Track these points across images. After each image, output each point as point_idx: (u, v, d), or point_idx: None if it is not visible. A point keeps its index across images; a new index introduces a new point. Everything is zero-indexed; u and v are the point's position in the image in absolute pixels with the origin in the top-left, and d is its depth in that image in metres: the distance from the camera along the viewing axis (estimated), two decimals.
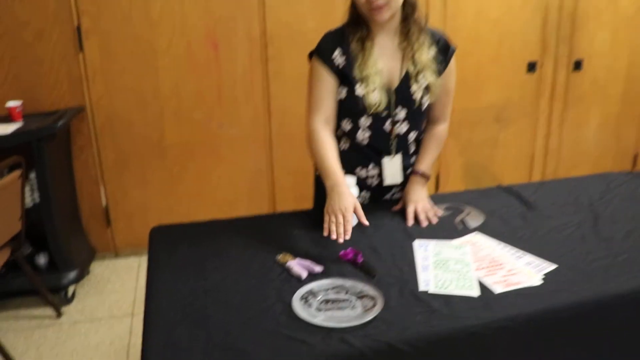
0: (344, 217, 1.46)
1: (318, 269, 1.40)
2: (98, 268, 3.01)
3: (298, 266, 1.40)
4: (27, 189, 2.51)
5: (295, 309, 1.21)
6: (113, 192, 3.05)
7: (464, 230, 1.63)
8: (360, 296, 1.27)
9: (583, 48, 3.56)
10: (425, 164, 1.79)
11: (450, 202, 1.83)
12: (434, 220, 1.69)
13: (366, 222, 1.49)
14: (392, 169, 1.77)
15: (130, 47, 2.88)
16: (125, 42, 2.87)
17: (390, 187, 1.83)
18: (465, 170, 3.63)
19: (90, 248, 2.97)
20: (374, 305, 1.22)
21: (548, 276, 1.36)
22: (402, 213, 1.74)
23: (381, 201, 1.85)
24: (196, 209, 3.19)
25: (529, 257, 1.46)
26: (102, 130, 2.96)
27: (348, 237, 1.43)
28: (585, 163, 3.87)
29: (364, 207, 1.72)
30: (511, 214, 1.75)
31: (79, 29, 2.79)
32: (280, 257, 1.47)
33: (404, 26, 1.66)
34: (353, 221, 1.51)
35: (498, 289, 1.31)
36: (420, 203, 1.72)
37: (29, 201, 2.54)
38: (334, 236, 1.44)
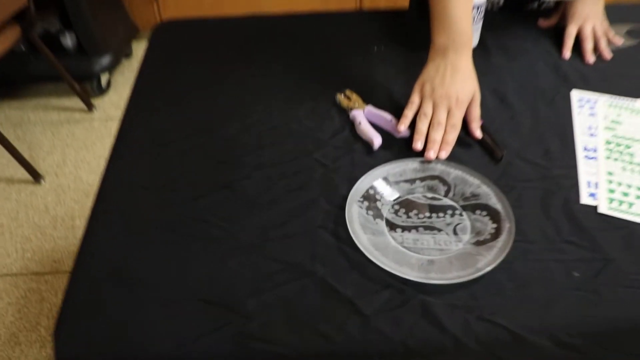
0: (449, 112, 0.80)
1: (403, 130, 0.81)
2: (141, 50, 2.51)
3: (368, 123, 0.83)
4: None
5: (350, 221, 0.67)
6: None
7: None
8: (472, 206, 0.71)
9: None
10: None
11: (635, 22, 1.10)
12: (608, 54, 1.01)
13: (478, 134, 0.81)
14: None
15: None
16: None
17: None
18: None
19: (130, 26, 2.43)
20: (496, 233, 0.66)
21: None
22: (556, 35, 1.05)
23: (521, 11, 1.15)
24: None
25: None
26: None
27: (445, 155, 0.77)
28: None
29: (492, 17, 1.05)
30: None
31: None
32: (342, 97, 0.89)
33: None
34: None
35: None
36: (590, 21, 1.02)
37: None
38: (418, 145, 0.78)
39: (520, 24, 1.08)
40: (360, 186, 0.72)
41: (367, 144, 0.81)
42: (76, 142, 2.00)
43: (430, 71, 0.83)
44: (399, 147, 0.80)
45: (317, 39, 1.06)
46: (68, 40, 2.12)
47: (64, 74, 2.01)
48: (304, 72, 0.96)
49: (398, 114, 0.83)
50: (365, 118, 0.84)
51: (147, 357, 0.56)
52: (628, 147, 0.80)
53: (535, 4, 1.13)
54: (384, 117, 0.84)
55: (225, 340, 0.57)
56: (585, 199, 0.72)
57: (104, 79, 2.21)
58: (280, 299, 0.60)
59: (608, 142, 0.81)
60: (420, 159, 0.76)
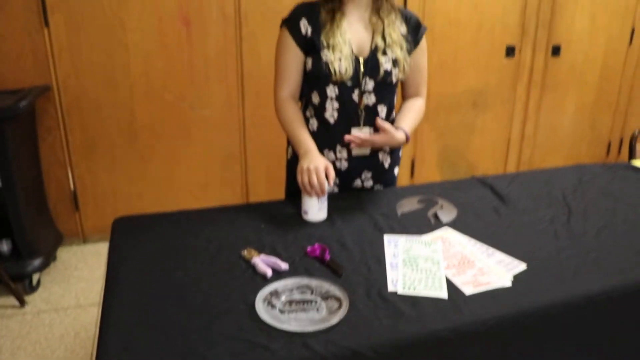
0: (317, 176, 1.54)
1: (284, 266, 1.35)
2: (65, 254, 2.93)
3: (263, 263, 1.35)
4: None
5: (258, 311, 1.17)
6: (81, 176, 2.96)
7: (436, 225, 1.60)
8: (326, 297, 1.23)
9: (561, 33, 3.53)
10: (404, 122, 1.75)
11: (423, 194, 1.79)
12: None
13: (331, 183, 1.57)
14: None
15: (98, 23, 2.76)
16: (93, 17, 2.75)
17: (360, 172, 1.81)
18: (441, 155, 3.60)
19: (57, 233, 2.89)
20: (339, 307, 1.18)
21: (518, 276, 1.34)
22: (380, 207, 1.70)
23: (351, 190, 1.82)
24: (166, 193, 3.12)
25: (500, 255, 1.43)
26: (69, 110, 2.86)
27: (324, 195, 1.56)
28: (560, 150, 3.87)
29: (334, 196, 1.69)
30: (484, 208, 1.72)
31: (43, 1, 2.66)
32: (245, 252, 1.42)
33: (376, 3, 1.69)
34: (322, 210, 1.57)
35: (468, 290, 1.28)
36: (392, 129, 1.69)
37: None
38: (309, 193, 1.54)
39: (350, 200, 1.73)
40: (262, 295, 1.22)
41: (263, 276, 1.32)
42: (10, 334, 2.28)
43: (301, 163, 1.59)
44: (282, 275, 1.33)
45: (227, 220, 1.62)
46: (4, 246, 2.51)
47: (3, 276, 2.36)
48: (221, 241, 1.49)
49: (280, 255, 1.38)
50: (261, 262, 1.37)
51: None
52: (415, 260, 1.39)
53: (358, 182, 1.80)
54: (271, 260, 1.37)
55: None
56: (390, 288, 1.27)
57: (35, 278, 2.57)
58: (226, 349, 1.06)
59: (404, 260, 1.40)
60: (296, 278, 1.29)
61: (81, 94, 2.84)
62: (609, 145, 4.00)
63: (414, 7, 3.16)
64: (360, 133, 1.70)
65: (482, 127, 3.62)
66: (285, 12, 1.70)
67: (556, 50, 3.55)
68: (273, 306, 1.20)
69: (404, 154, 1.75)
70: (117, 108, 2.91)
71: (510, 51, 3.47)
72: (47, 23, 2.70)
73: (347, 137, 1.65)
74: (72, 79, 2.81)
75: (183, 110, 3.00)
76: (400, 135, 1.69)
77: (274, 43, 1.72)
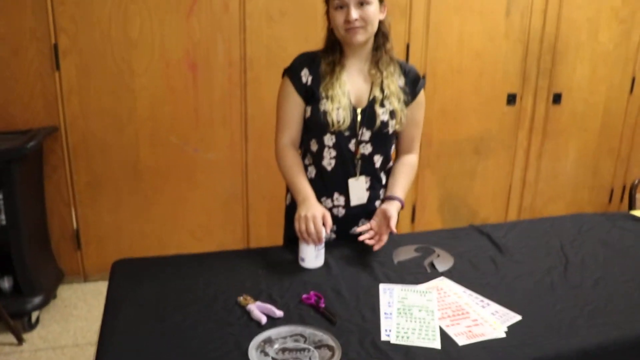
0: (314, 224, 1.56)
1: (279, 313, 1.36)
2: (65, 292, 2.94)
3: (258, 311, 1.36)
4: None
5: (252, 359, 1.17)
6: (85, 215, 2.99)
7: (432, 274, 1.61)
8: (319, 346, 1.24)
9: (562, 81, 3.59)
10: (398, 189, 1.76)
11: (420, 242, 1.81)
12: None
13: (329, 231, 1.61)
14: (357, 190, 1.77)
15: (107, 67, 2.84)
16: (103, 62, 2.83)
17: (357, 218, 1.82)
18: (442, 201, 3.62)
19: (58, 271, 2.90)
20: (332, 357, 1.19)
21: (513, 328, 1.34)
22: (368, 251, 1.70)
23: (348, 236, 1.82)
24: (169, 233, 3.14)
25: (495, 306, 1.44)
26: (76, 151, 2.91)
27: (321, 242, 1.58)
28: (562, 197, 3.89)
29: (331, 243, 1.71)
30: (481, 257, 1.73)
31: (56, 46, 2.74)
32: (241, 299, 1.43)
33: (375, 55, 1.73)
34: (319, 257, 1.61)
35: (461, 340, 1.28)
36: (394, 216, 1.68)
37: None
38: (306, 241, 1.57)
39: (347, 247, 1.74)
40: (255, 342, 1.23)
41: (258, 323, 1.33)
42: None
43: (299, 210, 1.62)
44: (276, 322, 1.33)
45: (225, 266, 1.63)
46: (6, 283, 2.52)
47: (2, 313, 2.37)
48: (219, 287, 1.50)
49: (275, 302, 1.38)
50: (256, 309, 1.38)
51: None
52: (409, 310, 1.40)
53: (356, 228, 1.80)
54: (266, 307, 1.38)
55: None
56: (384, 337, 1.28)
57: (34, 316, 2.57)
58: None
59: (399, 309, 1.40)
60: (290, 326, 1.30)
61: (88, 135, 2.90)
62: (612, 192, 4.01)
63: (416, 55, 3.24)
64: (365, 227, 1.70)
65: (484, 174, 3.64)
66: (288, 58, 1.76)
67: (557, 98, 3.61)
68: (266, 354, 1.20)
69: (406, 200, 1.77)
70: (122, 150, 2.96)
71: (511, 99, 3.53)
72: (58, 67, 2.78)
73: (364, 239, 1.67)
74: (80, 120, 2.87)
75: (187, 153, 3.05)
76: (394, 213, 1.68)
77: (276, 87, 1.77)
